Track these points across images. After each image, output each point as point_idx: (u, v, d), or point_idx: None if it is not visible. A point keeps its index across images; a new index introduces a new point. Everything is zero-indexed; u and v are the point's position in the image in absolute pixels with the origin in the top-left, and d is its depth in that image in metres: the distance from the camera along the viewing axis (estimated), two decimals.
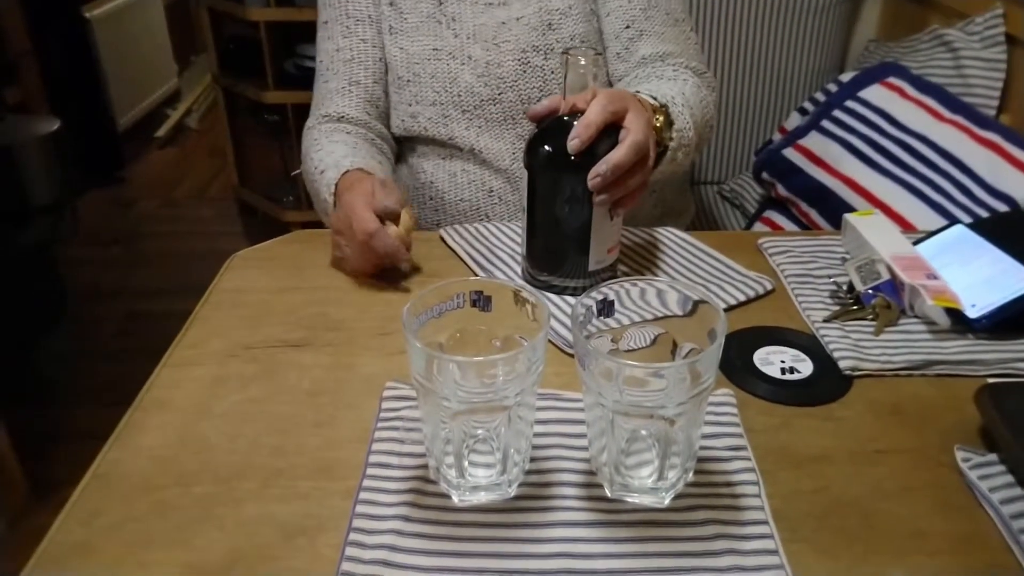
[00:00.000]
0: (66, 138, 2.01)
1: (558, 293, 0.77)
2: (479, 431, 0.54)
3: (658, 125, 0.80)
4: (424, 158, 1.02)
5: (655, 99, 0.82)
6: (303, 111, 2.34)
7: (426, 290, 0.54)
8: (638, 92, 0.81)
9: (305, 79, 2.24)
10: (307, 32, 2.24)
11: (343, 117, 0.98)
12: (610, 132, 0.74)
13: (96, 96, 2.81)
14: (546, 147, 0.74)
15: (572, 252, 0.76)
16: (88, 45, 2.75)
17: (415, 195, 1.04)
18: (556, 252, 0.77)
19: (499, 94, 0.96)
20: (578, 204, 0.73)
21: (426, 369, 0.50)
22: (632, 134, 0.70)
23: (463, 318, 0.55)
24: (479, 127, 0.96)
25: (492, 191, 0.98)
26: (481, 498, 0.55)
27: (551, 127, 0.75)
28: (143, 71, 3.17)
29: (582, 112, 0.72)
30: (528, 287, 0.73)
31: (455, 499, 0.55)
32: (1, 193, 1.92)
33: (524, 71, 0.95)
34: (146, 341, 0.76)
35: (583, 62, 0.70)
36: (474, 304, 0.55)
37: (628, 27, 0.95)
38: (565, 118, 0.73)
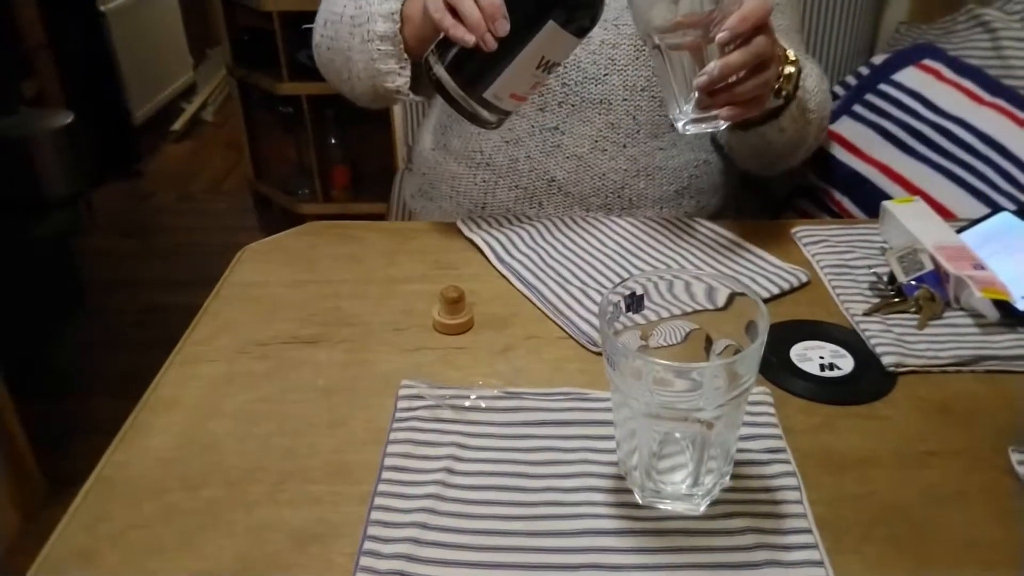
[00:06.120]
0: (81, 131, 2.01)
1: (453, 109, 0.72)
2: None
3: (787, 72, 0.76)
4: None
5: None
6: (317, 102, 2.33)
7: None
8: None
9: (319, 71, 2.24)
10: None
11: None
12: None
13: (112, 89, 2.81)
14: None
15: (485, 65, 0.70)
16: (103, 38, 2.75)
17: (464, 169, 0.95)
18: (473, 55, 0.69)
19: (605, 75, 0.89)
20: (523, 22, 0.67)
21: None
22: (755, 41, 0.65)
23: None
24: (573, 105, 0.90)
25: (554, 180, 0.91)
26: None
27: None
28: (158, 64, 3.16)
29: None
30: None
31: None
32: (17, 185, 1.93)
33: (637, 57, 0.89)
34: (164, 333, 0.74)
35: None
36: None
37: None
38: None
